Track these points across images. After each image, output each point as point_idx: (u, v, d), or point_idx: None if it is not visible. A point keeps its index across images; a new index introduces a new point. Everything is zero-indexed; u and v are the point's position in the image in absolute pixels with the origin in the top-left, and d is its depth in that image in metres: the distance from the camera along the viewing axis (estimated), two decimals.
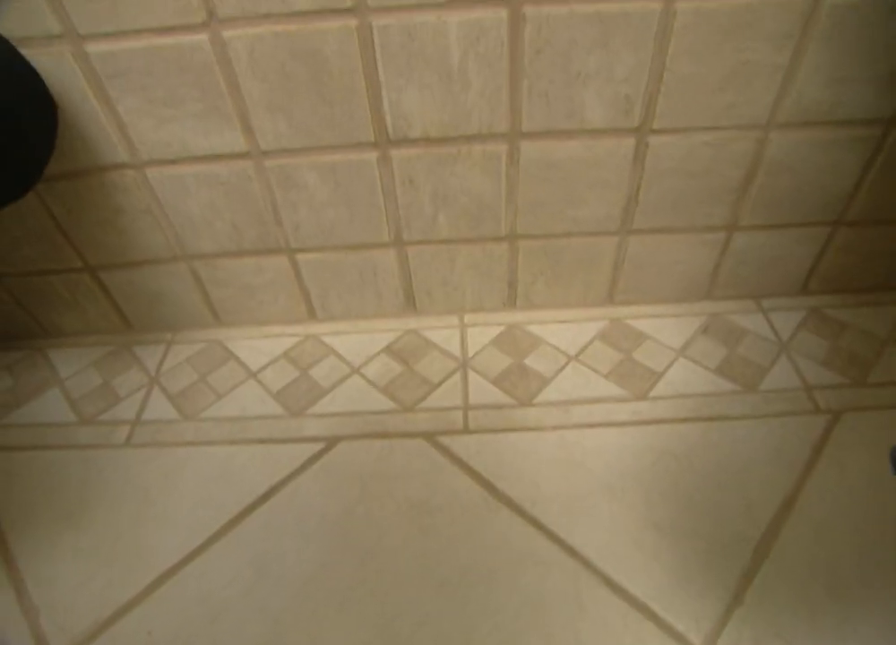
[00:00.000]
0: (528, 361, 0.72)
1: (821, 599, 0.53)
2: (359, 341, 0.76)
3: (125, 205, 0.67)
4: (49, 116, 0.57)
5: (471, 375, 0.71)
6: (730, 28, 0.54)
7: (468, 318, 0.78)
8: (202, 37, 0.55)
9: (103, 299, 0.77)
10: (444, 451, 0.65)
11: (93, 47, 0.55)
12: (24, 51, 0.54)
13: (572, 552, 0.56)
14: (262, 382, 0.73)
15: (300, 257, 0.72)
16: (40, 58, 0.55)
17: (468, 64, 0.57)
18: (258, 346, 0.78)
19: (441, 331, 0.76)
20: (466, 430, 0.66)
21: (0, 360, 0.81)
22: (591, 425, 0.66)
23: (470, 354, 0.74)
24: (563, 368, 0.71)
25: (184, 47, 0.55)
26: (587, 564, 0.56)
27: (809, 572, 0.54)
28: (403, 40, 0.55)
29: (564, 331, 0.75)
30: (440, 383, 0.71)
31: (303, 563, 0.58)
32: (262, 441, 0.67)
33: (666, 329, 0.75)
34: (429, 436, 0.66)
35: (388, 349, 0.75)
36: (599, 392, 0.69)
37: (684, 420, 0.66)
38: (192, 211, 0.67)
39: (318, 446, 0.66)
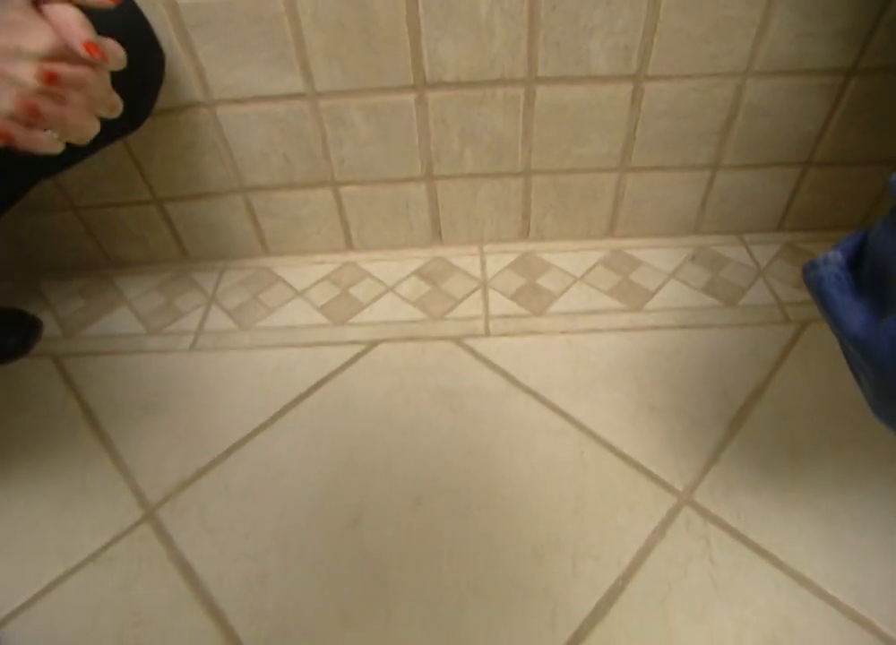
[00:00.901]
0: (540, 281, 0.84)
1: (783, 460, 0.64)
2: (392, 267, 0.87)
3: (195, 141, 0.78)
4: (160, 64, 0.67)
5: (491, 292, 0.82)
6: None
7: (487, 248, 0.89)
8: None
9: (165, 230, 0.88)
10: (470, 350, 0.76)
11: None
12: None
13: (578, 425, 0.68)
14: (308, 299, 0.84)
15: (343, 190, 0.83)
16: None
17: (494, 17, 0.68)
18: (302, 271, 0.89)
19: (463, 258, 0.88)
20: (487, 334, 0.77)
21: (72, 286, 0.92)
22: (594, 331, 0.77)
23: (490, 276, 0.85)
24: (569, 287, 0.82)
25: (260, 0, 0.66)
26: (590, 434, 0.67)
27: (774, 441, 0.66)
28: None
29: (570, 258, 0.86)
30: (463, 299, 0.82)
31: (352, 435, 0.69)
32: (310, 345, 0.79)
33: (659, 257, 0.86)
34: (456, 339, 0.77)
35: (417, 272, 0.86)
36: (601, 305, 0.80)
37: (673, 328, 0.77)
38: (251, 146, 0.78)
39: (360, 348, 0.77)
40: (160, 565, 0.60)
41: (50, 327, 0.86)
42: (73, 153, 0.51)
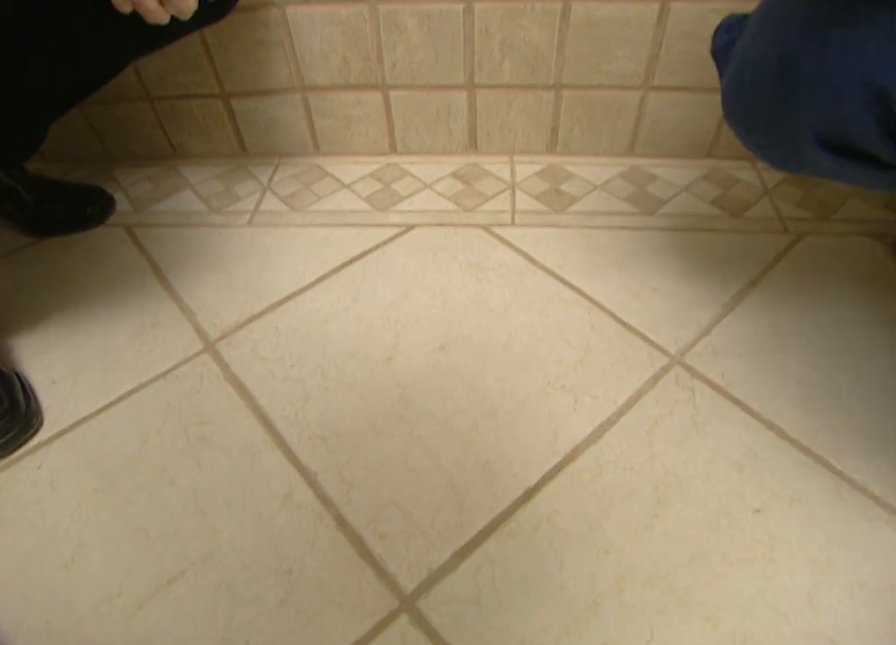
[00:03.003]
0: (563, 187, 0.92)
1: (767, 337, 0.73)
2: (430, 169, 0.97)
3: (265, 38, 0.87)
4: None
5: (518, 193, 0.91)
6: None
7: (517, 158, 0.98)
8: None
9: (228, 124, 0.98)
10: (496, 236, 0.85)
11: None
12: None
13: (588, 297, 0.77)
14: (354, 190, 0.94)
15: (392, 93, 0.92)
16: None
17: None
18: (349, 169, 0.98)
19: (495, 165, 0.96)
20: (513, 224, 0.86)
21: (141, 173, 1.02)
22: (609, 228, 0.86)
23: (518, 180, 0.94)
24: (590, 193, 0.91)
25: None
26: (598, 305, 0.76)
27: (761, 322, 0.74)
28: None
29: (593, 170, 0.95)
30: (493, 196, 0.91)
31: (388, 294, 0.79)
32: (354, 225, 0.88)
33: (675, 174, 0.94)
34: (484, 227, 0.86)
35: (453, 174, 0.95)
36: (617, 208, 0.88)
37: (681, 230, 0.85)
38: (314, 46, 0.88)
39: (399, 230, 0.87)
40: (218, 383, 0.71)
41: (122, 204, 0.96)
42: (166, 32, 0.60)
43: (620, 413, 0.66)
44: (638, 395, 0.68)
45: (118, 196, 0.97)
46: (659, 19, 0.82)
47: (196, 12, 0.57)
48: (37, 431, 0.67)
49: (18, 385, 0.69)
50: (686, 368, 0.70)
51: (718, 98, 0.90)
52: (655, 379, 0.69)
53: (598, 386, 0.68)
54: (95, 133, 1.01)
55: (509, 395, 0.68)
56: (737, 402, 0.67)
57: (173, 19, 0.56)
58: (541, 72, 0.88)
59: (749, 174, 0.95)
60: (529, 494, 0.60)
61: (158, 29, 0.57)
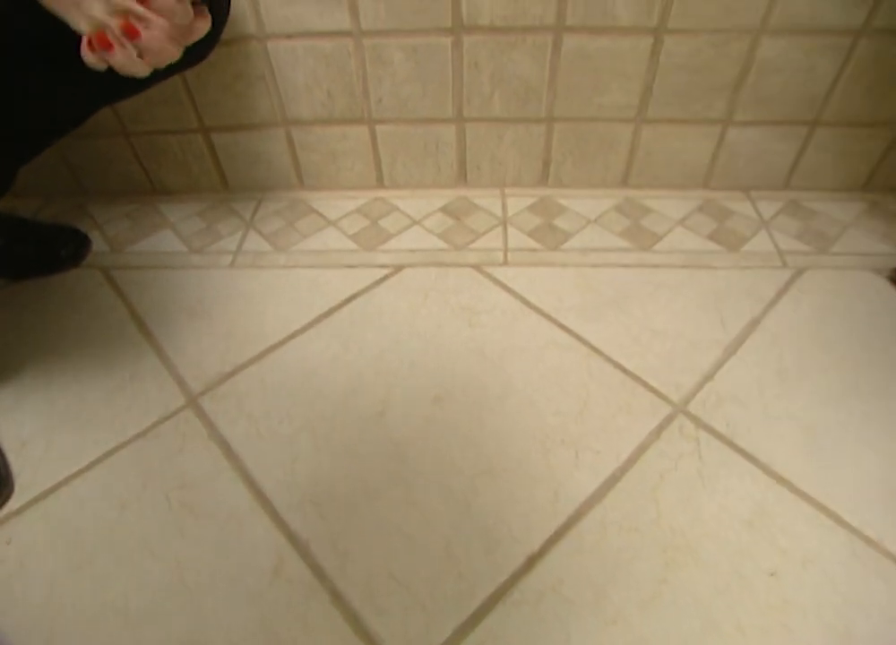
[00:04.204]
0: (556, 221, 0.90)
1: (771, 381, 0.70)
2: (418, 204, 0.94)
3: (245, 72, 0.84)
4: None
5: (510, 229, 0.89)
6: None
7: (508, 190, 0.95)
8: None
9: (209, 158, 0.95)
10: (488, 276, 0.82)
11: None
12: None
13: (585, 342, 0.74)
14: (340, 228, 0.91)
15: (378, 127, 0.89)
16: None
17: None
18: (335, 204, 0.95)
19: (486, 199, 0.94)
20: (505, 263, 0.84)
21: (118, 209, 0.98)
22: (604, 265, 0.83)
23: (510, 214, 0.91)
24: (583, 227, 0.89)
25: None
26: (596, 350, 0.73)
27: (764, 364, 0.72)
28: None
29: (586, 203, 0.92)
30: (485, 233, 0.88)
31: (378, 342, 0.75)
32: (341, 266, 0.85)
33: (669, 206, 0.92)
34: (476, 267, 0.83)
35: (443, 209, 0.93)
36: (612, 244, 0.86)
37: (678, 267, 0.83)
38: (297, 80, 0.84)
39: (387, 271, 0.84)
40: (202, 442, 0.67)
41: (98, 244, 0.93)
42: (145, 80, 0.57)
43: (624, 469, 0.63)
44: (641, 449, 0.65)
45: (94, 235, 0.94)
46: (652, 51, 0.80)
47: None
48: (6, 500, 0.63)
49: None
50: (690, 417, 0.67)
51: (713, 129, 0.88)
52: (659, 430, 0.66)
53: (600, 439, 0.66)
54: (69, 168, 0.97)
55: (507, 452, 0.65)
56: (744, 453, 0.64)
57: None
58: (532, 104, 0.86)
59: (744, 205, 0.93)
60: (532, 561, 0.57)
61: (135, 79, 0.54)
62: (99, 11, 0.46)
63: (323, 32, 0.80)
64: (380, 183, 0.96)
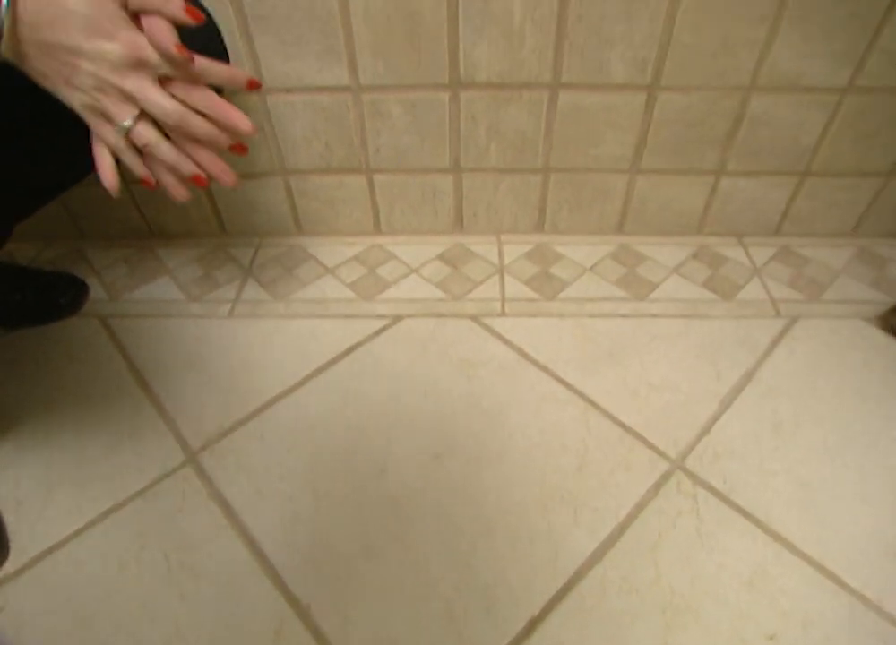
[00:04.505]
0: (552, 270, 0.91)
1: (767, 434, 0.71)
2: (416, 251, 0.94)
3: None
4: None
5: (507, 277, 0.90)
6: (723, 8, 0.72)
7: (504, 237, 0.96)
8: None
9: (207, 205, 0.95)
10: (486, 327, 0.83)
11: None
12: None
13: (583, 396, 0.75)
14: (338, 276, 0.91)
15: (376, 177, 0.90)
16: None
17: (525, 26, 0.75)
18: (333, 250, 0.96)
19: (482, 246, 0.95)
20: (503, 314, 0.84)
21: (115, 253, 0.99)
22: (601, 315, 0.84)
23: (507, 262, 0.92)
24: (580, 276, 0.90)
25: None
26: (593, 404, 0.74)
27: (760, 417, 0.73)
28: (480, 5, 0.74)
29: (581, 250, 0.93)
30: (482, 282, 0.89)
31: (378, 395, 0.76)
32: (340, 316, 0.85)
33: (664, 253, 0.93)
34: (474, 317, 0.84)
35: (440, 256, 0.93)
36: (608, 293, 0.87)
37: (673, 316, 0.84)
38: (295, 132, 0.85)
39: (386, 321, 0.84)
40: (202, 501, 0.67)
41: (96, 290, 0.93)
42: None
43: (623, 527, 0.64)
44: (640, 506, 0.65)
45: (92, 281, 0.94)
46: (646, 107, 0.81)
47: None
48: (1, 565, 0.63)
49: None
50: (688, 474, 0.68)
51: (706, 179, 0.90)
52: (657, 487, 0.67)
53: (599, 496, 0.66)
54: (68, 213, 0.98)
55: (507, 510, 0.65)
56: (742, 511, 0.65)
57: None
58: (528, 155, 0.87)
59: (737, 251, 0.94)
60: (532, 625, 0.58)
61: None
62: (89, 86, 0.46)
63: (322, 87, 0.81)
64: (377, 229, 0.97)
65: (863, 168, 0.87)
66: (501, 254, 0.93)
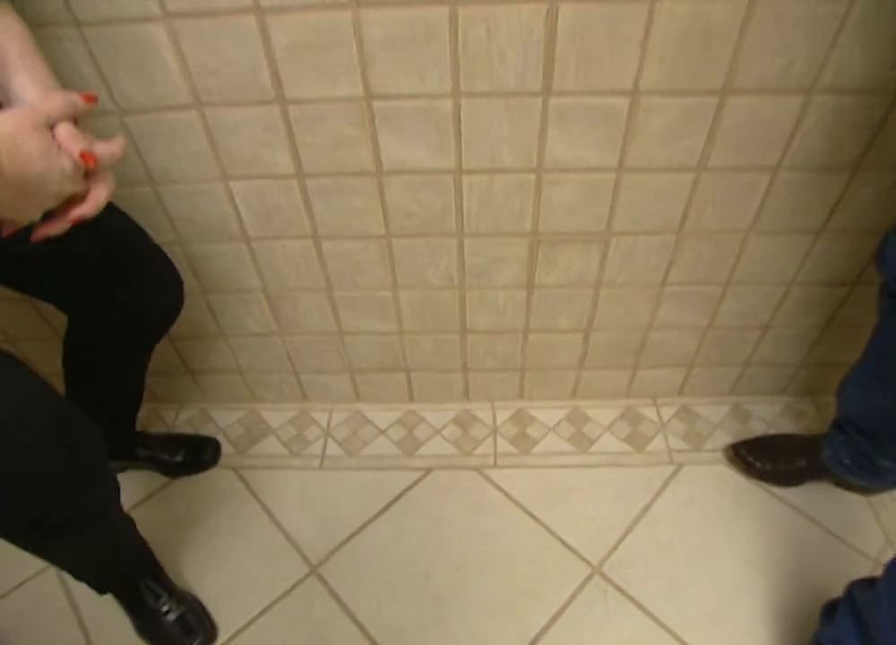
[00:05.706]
0: (528, 430, 1.39)
1: (653, 548, 1.19)
2: (437, 416, 1.43)
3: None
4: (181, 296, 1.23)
5: (498, 438, 1.38)
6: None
7: (496, 403, 1.44)
8: None
9: (296, 385, 1.43)
10: (485, 477, 1.31)
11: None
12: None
13: (542, 524, 1.23)
14: (388, 436, 1.40)
15: (412, 374, 1.38)
16: None
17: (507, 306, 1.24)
18: (382, 416, 1.44)
19: (482, 412, 1.43)
20: (496, 466, 1.32)
21: (231, 415, 1.47)
22: (559, 466, 1.32)
23: (498, 423, 1.40)
24: (545, 435, 1.38)
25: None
26: (549, 530, 1.22)
27: (650, 537, 1.21)
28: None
29: (547, 413, 1.41)
30: (482, 440, 1.37)
31: (422, 526, 1.24)
32: (391, 468, 1.33)
33: (602, 415, 1.41)
34: (477, 469, 1.32)
35: (454, 420, 1.41)
36: (563, 448, 1.35)
37: (604, 465, 1.32)
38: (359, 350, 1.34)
39: (421, 473, 1.32)
40: (324, 601, 1.15)
41: (225, 446, 1.41)
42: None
43: (564, 606, 1.12)
44: (572, 597, 1.13)
45: (220, 437, 1.42)
46: (595, 286, 1.29)
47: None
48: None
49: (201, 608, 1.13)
50: (602, 576, 1.16)
51: (627, 371, 1.37)
52: (583, 584, 1.15)
53: (541, 586, 1.14)
54: (197, 385, 1.46)
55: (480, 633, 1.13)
56: (634, 601, 1.13)
57: None
58: (510, 371, 1.35)
59: (651, 410, 1.43)
60: None
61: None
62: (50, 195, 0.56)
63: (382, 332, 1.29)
64: (411, 398, 1.45)
65: (731, 360, 1.35)
66: (494, 418, 1.42)
